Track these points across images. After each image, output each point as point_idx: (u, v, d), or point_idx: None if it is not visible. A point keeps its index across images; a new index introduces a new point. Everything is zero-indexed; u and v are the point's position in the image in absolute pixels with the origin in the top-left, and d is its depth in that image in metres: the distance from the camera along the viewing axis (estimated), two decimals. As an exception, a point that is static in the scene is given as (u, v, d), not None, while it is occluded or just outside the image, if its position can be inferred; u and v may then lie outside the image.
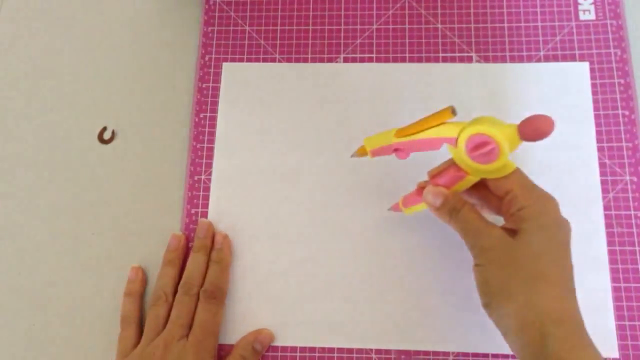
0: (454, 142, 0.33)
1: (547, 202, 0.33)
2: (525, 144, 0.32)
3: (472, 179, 0.34)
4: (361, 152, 0.38)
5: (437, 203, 0.35)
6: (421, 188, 0.37)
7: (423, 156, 0.36)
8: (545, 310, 0.30)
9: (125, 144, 0.46)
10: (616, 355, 0.38)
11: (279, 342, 0.40)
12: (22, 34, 0.49)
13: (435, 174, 0.36)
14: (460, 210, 0.34)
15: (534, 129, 0.30)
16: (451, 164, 0.35)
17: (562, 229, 0.32)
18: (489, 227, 0.33)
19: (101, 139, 0.46)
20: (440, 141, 0.34)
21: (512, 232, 0.33)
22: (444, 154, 0.35)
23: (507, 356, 0.39)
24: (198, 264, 0.41)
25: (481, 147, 0.32)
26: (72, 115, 0.47)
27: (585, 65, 0.44)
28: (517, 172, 0.33)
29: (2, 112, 0.47)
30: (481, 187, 0.35)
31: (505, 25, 0.46)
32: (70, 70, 0.48)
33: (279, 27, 0.47)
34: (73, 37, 0.49)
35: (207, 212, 0.44)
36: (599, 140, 0.43)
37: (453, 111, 0.32)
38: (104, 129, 0.46)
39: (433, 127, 0.33)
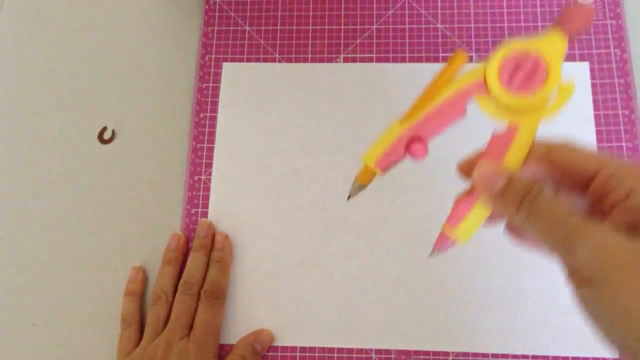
0: (483, 86, 0.24)
1: None
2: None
3: (526, 136, 0.24)
4: (363, 177, 0.28)
5: (498, 185, 0.23)
6: (466, 194, 0.25)
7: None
8: None
9: (125, 144, 0.46)
10: (616, 355, 0.38)
11: (279, 342, 0.40)
12: (22, 34, 0.49)
13: (471, 159, 0.26)
14: (539, 194, 0.22)
15: (576, 18, 0.23)
16: (491, 137, 0.25)
17: None
18: (591, 222, 0.21)
19: (101, 139, 0.46)
20: (465, 96, 0.25)
21: (620, 228, 0.21)
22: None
23: (506, 356, 0.39)
24: (198, 263, 0.41)
25: (520, 68, 0.24)
26: (72, 115, 0.47)
27: (585, 65, 0.44)
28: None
29: (2, 112, 0.47)
30: (551, 166, 0.25)
31: (505, 25, 0.46)
32: (70, 70, 0.48)
33: (279, 27, 0.47)
34: (73, 37, 0.49)
35: (207, 212, 0.44)
36: (599, 140, 0.43)
37: (463, 54, 0.25)
38: (104, 129, 0.46)
39: (447, 83, 0.25)
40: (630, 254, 0.20)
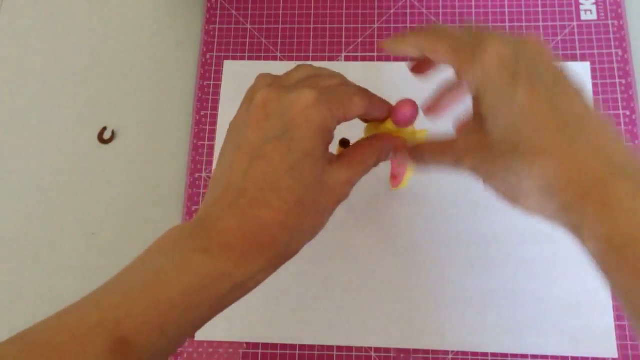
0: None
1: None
2: None
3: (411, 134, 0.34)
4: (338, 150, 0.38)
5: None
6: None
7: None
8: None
9: (125, 144, 0.46)
10: (615, 355, 0.39)
11: (278, 341, 0.41)
12: (22, 34, 0.49)
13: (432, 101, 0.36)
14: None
15: (402, 117, 0.31)
16: None
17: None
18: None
19: (101, 139, 0.46)
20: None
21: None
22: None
23: (506, 355, 0.39)
24: None
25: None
26: (72, 115, 0.47)
27: (587, 65, 0.44)
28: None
29: (2, 112, 0.47)
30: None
31: (507, 25, 0.46)
32: (70, 69, 0.48)
33: (280, 26, 0.47)
34: (73, 37, 0.49)
35: (207, 211, 0.43)
36: (599, 141, 0.43)
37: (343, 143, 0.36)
38: (104, 129, 0.46)
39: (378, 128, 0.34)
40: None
